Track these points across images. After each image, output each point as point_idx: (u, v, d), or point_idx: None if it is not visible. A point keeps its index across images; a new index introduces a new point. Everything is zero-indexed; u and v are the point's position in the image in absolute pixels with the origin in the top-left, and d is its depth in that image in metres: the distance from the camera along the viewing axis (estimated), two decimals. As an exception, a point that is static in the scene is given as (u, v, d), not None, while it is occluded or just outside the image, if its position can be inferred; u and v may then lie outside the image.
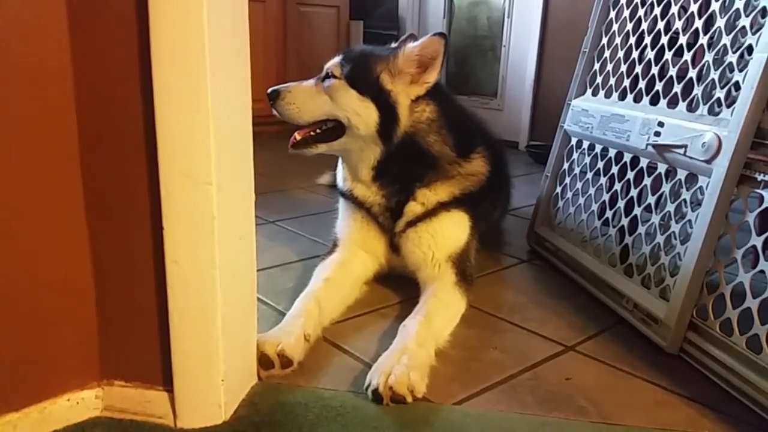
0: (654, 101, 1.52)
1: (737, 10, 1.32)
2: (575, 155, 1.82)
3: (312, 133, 1.53)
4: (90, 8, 0.90)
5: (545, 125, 3.72)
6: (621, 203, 1.60)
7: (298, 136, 1.53)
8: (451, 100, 1.61)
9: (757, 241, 1.17)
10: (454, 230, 1.53)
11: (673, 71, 1.48)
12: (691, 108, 1.40)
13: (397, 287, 1.59)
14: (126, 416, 1.03)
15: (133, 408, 1.03)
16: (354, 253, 1.56)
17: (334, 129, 1.50)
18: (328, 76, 1.50)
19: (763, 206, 1.19)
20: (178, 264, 0.94)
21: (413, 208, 1.51)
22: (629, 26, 1.70)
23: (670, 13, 1.54)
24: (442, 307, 1.37)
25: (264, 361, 1.15)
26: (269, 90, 1.53)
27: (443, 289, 1.44)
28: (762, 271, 1.15)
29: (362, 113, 1.45)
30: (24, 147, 0.90)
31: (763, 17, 1.26)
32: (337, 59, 1.52)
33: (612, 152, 1.64)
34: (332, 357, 1.27)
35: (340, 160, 1.64)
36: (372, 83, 1.46)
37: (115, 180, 0.96)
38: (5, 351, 0.93)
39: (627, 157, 1.58)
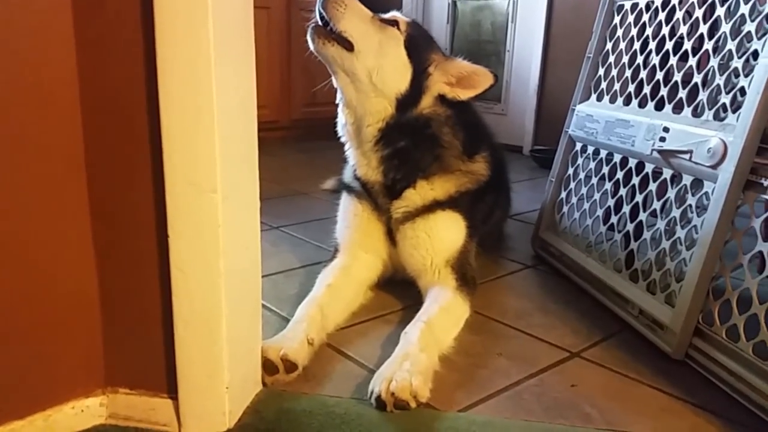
0: (659, 106, 1.52)
1: (742, 15, 1.32)
2: (580, 160, 1.82)
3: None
4: (96, 19, 0.90)
5: (549, 130, 3.72)
6: (626, 208, 1.59)
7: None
8: (470, 105, 1.62)
9: (764, 247, 1.17)
10: (450, 230, 1.52)
11: (678, 76, 1.48)
12: (697, 113, 1.39)
13: (401, 293, 1.59)
14: (130, 424, 1.03)
15: (137, 415, 1.03)
16: (355, 257, 1.56)
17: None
18: (390, 22, 1.48)
19: (770, 212, 1.18)
20: (183, 272, 0.94)
21: (412, 196, 1.51)
22: (633, 31, 1.70)
23: (674, 18, 1.54)
24: (443, 313, 1.37)
25: (268, 366, 1.15)
26: None
27: (444, 294, 1.44)
28: (768, 277, 1.15)
29: (393, 73, 1.45)
30: (30, 156, 0.90)
31: (768, 22, 1.26)
32: (407, 19, 1.53)
33: (617, 157, 1.64)
34: (336, 363, 1.27)
35: (347, 147, 1.59)
36: (422, 59, 1.48)
37: (120, 189, 0.96)
38: (10, 358, 0.94)
39: (632, 163, 1.57)
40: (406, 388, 1.08)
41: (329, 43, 1.43)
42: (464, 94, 1.51)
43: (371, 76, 1.44)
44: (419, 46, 1.50)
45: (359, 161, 1.55)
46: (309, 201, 2.61)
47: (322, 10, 1.44)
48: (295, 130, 4.04)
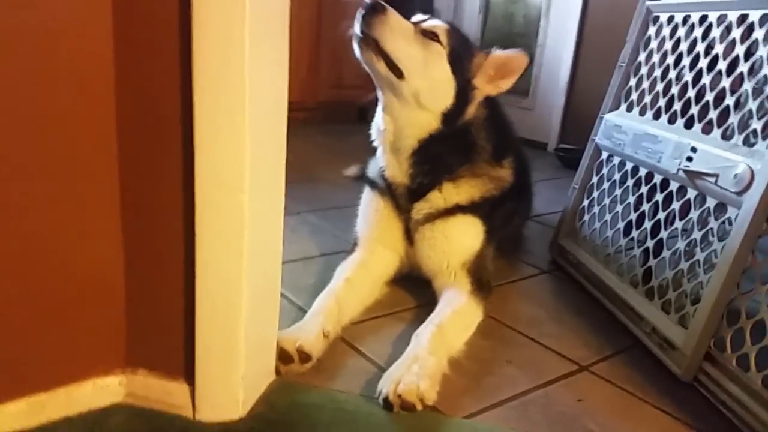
0: (688, 124, 1.50)
1: (781, 40, 1.30)
2: (605, 170, 1.81)
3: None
4: (134, 16, 0.92)
5: (576, 129, 3.68)
6: (648, 224, 1.58)
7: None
8: (500, 105, 1.65)
9: (782, 278, 1.16)
10: (468, 235, 1.53)
11: (710, 96, 1.46)
12: (726, 136, 1.38)
13: (416, 291, 1.61)
14: (147, 404, 1.06)
15: (154, 397, 1.07)
16: (373, 252, 1.58)
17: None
18: (430, 35, 1.46)
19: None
20: (207, 267, 0.97)
21: (436, 199, 1.52)
22: (668, 44, 1.67)
23: (711, 36, 1.51)
24: (455, 316, 1.38)
25: (283, 356, 1.18)
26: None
27: (458, 298, 1.45)
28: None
29: (439, 91, 1.45)
30: (65, 145, 0.93)
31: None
32: (444, 25, 1.50)
33: (642, 171, 1.63)
34: (348, 358, 1.30)
35: (377, 139, 1.58)
36: (465, 69, 1.48)
37: (150, 183, 0.98)
38: (37, 334, 0.98)
39: (657, 179, 1.56)
40: (413, 391, 1.10)
41: (378, 59, 1.42)
42: (505, 85, 1.52)
43: (418, 97, 1.44)
44: (461, 57, 1.48)
45: (389, 164, 1.56)
46: (331, 187, 2.61)
47: (365, 29, 1.40)
48: (319, 111, 4.00)
